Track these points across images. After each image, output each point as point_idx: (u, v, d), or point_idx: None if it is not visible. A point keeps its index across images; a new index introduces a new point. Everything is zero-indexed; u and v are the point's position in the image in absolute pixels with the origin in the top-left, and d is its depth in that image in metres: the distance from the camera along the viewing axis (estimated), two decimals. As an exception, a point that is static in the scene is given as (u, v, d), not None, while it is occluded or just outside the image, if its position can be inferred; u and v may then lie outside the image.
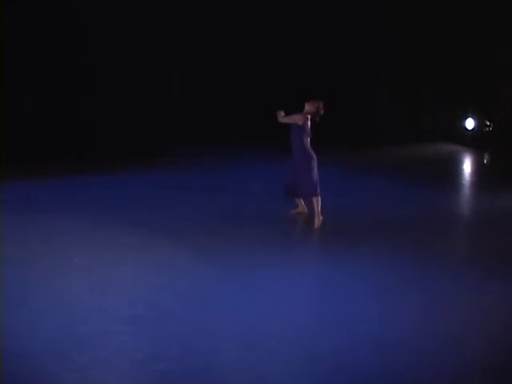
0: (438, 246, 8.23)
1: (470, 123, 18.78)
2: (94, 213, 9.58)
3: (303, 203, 9.71)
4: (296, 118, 9.23)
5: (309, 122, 9.27)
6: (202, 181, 12.16)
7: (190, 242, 8.16)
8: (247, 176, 12.82)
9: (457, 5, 17.18)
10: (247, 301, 6.26)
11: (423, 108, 19.43)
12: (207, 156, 14.87)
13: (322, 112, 9.35)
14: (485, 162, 17.03)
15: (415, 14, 17.47)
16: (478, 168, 16.25)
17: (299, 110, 9.38)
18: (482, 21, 16.90)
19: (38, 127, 14.04)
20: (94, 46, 14.59)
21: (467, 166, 16.44)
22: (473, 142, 18.36)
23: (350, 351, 5.20)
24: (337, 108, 17.41)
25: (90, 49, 14.57)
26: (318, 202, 9.20)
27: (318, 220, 9.18)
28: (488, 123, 18.65)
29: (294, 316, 5.93)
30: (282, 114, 9.25)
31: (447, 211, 10.36)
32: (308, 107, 9.36)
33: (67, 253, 7.64)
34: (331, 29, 17.07)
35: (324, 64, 17.34)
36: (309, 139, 9.31)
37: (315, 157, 9.24)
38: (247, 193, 11.23)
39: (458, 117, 18.92)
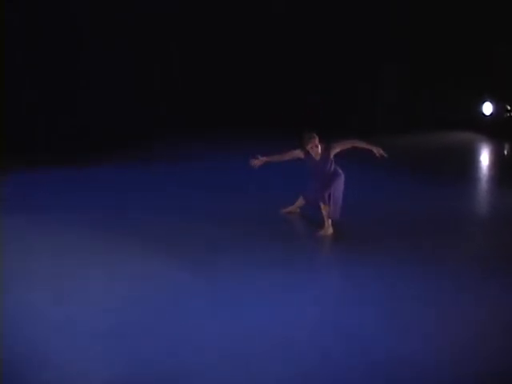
0: (451, 251, 7.67)
1: (487, 108, 16.57)
2: (84, 212, 9.33)
3: (298, 204, 9.40)
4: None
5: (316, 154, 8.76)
6: (201, 180, 12.03)
7: (179, 248, 7.63)
8: (247, 176, 12.67)
9: (458, 4, 17.04)
10: (236, 313, 5.80)
11: (431, 94, 17.90)
12: (207, 156, 14.83)
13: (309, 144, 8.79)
14: (505, 152, 15.20)
15: (415, 13, 17.39)
16: (496, 160, 14.39)
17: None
18: (482, 20, 16.80)
19: (38, 127, 14.05)
20: (94, 46, 14.60)
21: (484, 158, 14.76)
22: (491, 129, 16.18)
23: (351, 369, 4.83)
24: (336, 102, 17.23)
25: (90, 49, 14.58)
26: (326, 212, 8.64)
27: (326, 230, 8.60)
28: (509, 108, 16.44)
29: (291, 330, 5.50)
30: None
31: (461, 211, 9.64)
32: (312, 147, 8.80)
33: (40, 258, 7.14)
34: (331, 28, 17.03)
35: (324, 63, 17.28)
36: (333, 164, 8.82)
37: (343, 175, 8.82)
38: (247, 192, 10.89)
39: (473, 102, 16.90)
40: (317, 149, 8.72)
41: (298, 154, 8.91)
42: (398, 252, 7.62)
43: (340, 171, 8.83)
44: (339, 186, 8.78)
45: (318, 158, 8.79)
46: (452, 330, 5.58)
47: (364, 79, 17.99)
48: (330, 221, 8.64)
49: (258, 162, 8.97)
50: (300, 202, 9.44)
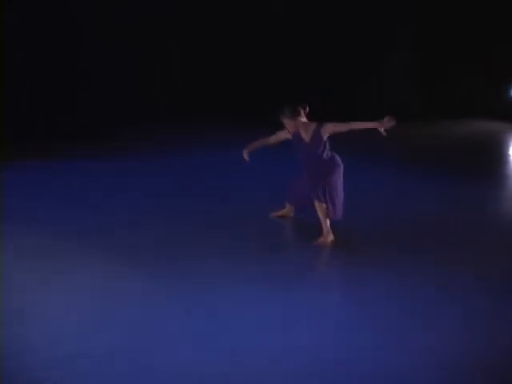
0: (473, 265, 6.70)
1: None
2: (75, 211, 8.75)
3: (291, 206, 8.17)
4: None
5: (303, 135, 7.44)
6: (198, 179, 11.73)
7: (149, 260, 6.75)
8: (242, 173, 11.31)
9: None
10: (215, 337, 5.04)
11: (449, 77, 16.43)
12: (207, 153, 14.74)
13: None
14: None
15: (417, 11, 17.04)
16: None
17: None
18: (482, 19, 16.49)
19: (38, 127, 14.07)
20: (94, 45, 14.62)
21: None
22: None
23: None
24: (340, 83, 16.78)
25: (90, 49, 14.60)
26: (323, 212, 7.34)
27: (325, 237, 7.32)
28: None
29: (278, 359, 4.74)
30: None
31: (486, 215, 8.50)
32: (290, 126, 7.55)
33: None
34: (332, 25, 16.83)
35: (326, 57, 17.02)
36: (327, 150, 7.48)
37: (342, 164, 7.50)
38: (239, 191, 9.91)
39: (500, 85, 15.30)
40: (306, 126, 7.43)
41: (285, 134, 7.65)
42: (405, 265, 6.79)
43: (338, 159, 7.51)
44: (337, 177, 7.46)
45: (308, 138, 7.40)
46: (453, 348, 5.10)
47: (372, 65, 17.16)
48: (328, 224, 7.34)
49: (245, 154, 7.83)
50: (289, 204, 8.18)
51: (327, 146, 7.49)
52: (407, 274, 6.51)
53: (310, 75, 17.02)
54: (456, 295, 6.07)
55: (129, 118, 15.07)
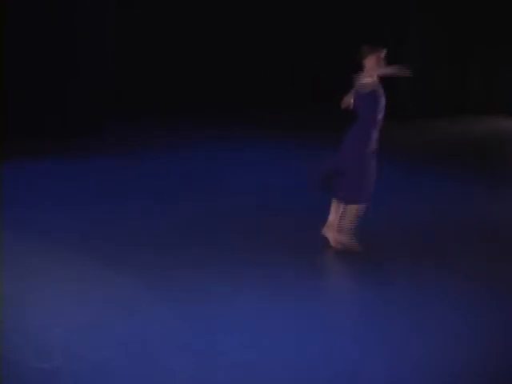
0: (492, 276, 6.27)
1: None
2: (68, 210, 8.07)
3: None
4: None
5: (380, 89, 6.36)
6: (199, 182, 10.55)
7: (139, 265, 6.24)
8: (241, 177, 10.48)
9: None
10: (215, 351, 4.69)
11: (471, 72, 15.77)
12: (206, 155, 13.87)
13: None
14: None
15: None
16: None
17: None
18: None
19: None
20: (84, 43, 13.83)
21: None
22: None
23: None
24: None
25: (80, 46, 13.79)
26: (353, 212, 6.43)
27: (346, 238, 6.53)
28: None
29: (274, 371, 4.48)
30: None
31: (494, 217, 8.07)
32: (369, 63, 6.29)
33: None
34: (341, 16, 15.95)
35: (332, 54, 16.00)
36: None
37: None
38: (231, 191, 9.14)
39: None
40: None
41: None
42: (419, 275, 6.31)
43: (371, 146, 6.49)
44: (366, 164, 6.51)
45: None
46: (457, 355, 4.81)
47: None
48: (351, 224, 6.51)
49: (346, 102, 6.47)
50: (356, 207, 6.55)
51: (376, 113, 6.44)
52: (414, 278, 6.21)
53: (314, 71, 16.22)
54: (458, 298, 5.80)
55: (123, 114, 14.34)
